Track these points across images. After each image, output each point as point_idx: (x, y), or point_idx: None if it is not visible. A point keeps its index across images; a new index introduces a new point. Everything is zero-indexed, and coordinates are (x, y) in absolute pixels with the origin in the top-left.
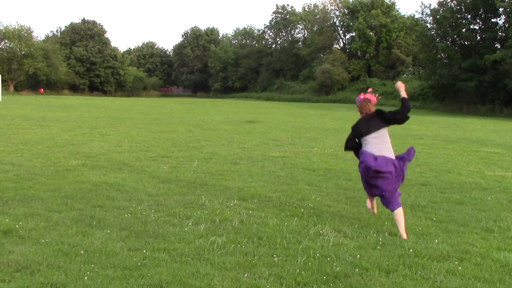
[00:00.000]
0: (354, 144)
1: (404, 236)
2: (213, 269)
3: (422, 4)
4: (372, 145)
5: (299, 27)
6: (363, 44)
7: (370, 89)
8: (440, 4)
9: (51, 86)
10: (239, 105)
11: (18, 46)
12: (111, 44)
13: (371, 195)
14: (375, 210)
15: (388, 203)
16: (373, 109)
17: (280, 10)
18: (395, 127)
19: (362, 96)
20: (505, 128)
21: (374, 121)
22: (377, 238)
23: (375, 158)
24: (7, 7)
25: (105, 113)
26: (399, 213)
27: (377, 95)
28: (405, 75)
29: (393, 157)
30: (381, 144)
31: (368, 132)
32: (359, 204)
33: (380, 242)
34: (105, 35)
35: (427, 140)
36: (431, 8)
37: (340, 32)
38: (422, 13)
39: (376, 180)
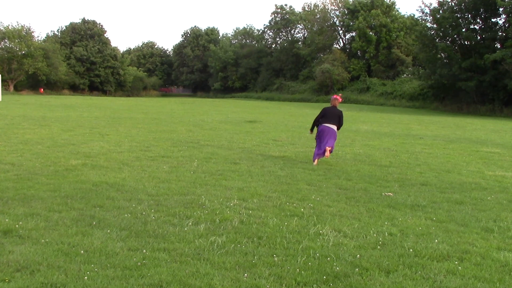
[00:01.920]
0: (318, 120)
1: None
2: (213, 269)
3: (422, 3)
4: (326, 124)
5: (299, 27)
6: (363, 44)
7: (340, 94)
8: (440, 3)
9: (51, 86)
10: (239, 105)
11: (18, 46)
12: (111, 44)
13: (320, 151)
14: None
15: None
16: (337, 104)
17: (278, 10)
18: (396, 128)
19: (334, 96)
20: (505, 128)
21: (335, 115)
22: (377, 238)
23: (326, 127)
24: (7, 7)
25: (105, 113)
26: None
27: (342, 99)
28: (405, 75)
29: (335, 132)
30: (331, 126)
31: (329, 118)
32: (359, 204)
33: (380, 242)
34: (105, 35)
35: (427, 140)
36: (431, 8)
37: (340, 32)
38: (422, 13)
39: (325, 137)
